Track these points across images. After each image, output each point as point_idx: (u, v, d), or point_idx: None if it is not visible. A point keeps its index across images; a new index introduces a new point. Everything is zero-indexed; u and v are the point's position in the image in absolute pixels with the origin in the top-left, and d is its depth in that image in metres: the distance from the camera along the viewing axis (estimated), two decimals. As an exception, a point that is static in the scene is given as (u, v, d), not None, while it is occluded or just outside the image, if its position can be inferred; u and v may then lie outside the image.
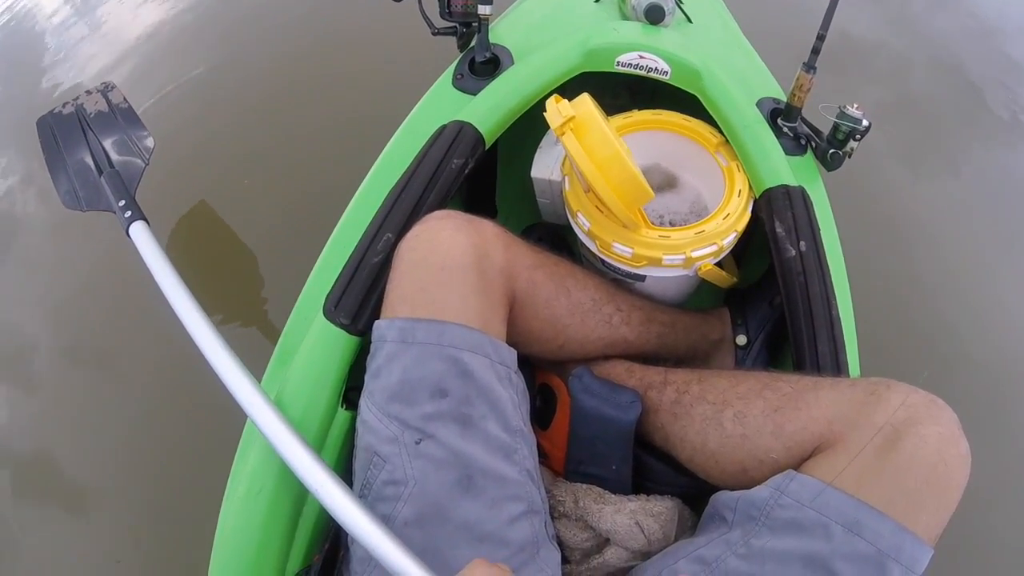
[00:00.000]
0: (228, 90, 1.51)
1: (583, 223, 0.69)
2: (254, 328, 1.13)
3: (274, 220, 1.27)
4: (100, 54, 1.74)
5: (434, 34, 0.85)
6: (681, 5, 0.90)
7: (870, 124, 0.74)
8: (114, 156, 1.13)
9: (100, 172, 1.09)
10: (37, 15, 2.00)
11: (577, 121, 0.60)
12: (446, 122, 0.72)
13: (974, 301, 1.20)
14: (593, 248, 0.70)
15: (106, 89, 1.28)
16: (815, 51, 0.77)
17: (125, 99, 1.25)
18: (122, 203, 0.97)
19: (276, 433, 0.55)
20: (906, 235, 1.29)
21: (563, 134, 0.60)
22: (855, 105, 0.75)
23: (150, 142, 1.12)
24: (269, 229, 1.26)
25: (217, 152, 1.39)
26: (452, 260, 0.55)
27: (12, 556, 1.00)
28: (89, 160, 1.14)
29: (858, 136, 0.75)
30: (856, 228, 1.21)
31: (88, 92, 1.27)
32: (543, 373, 0.72)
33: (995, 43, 1.73)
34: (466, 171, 0.69)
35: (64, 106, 1.24)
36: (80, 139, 1.19)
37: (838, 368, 0.63)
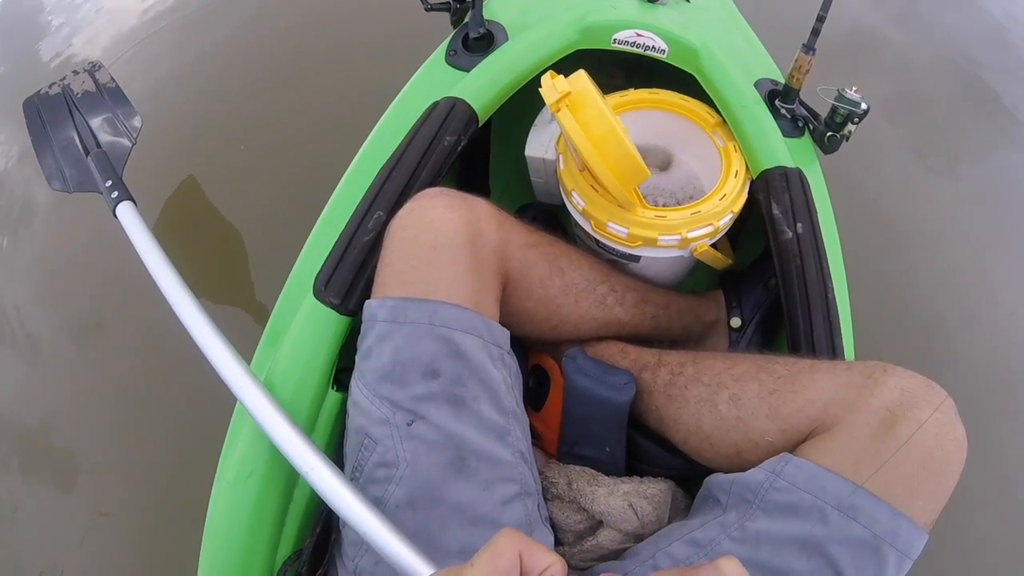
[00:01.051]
0: (217, 66, 1.48)
1: (578, 202, 0.68)
2: (241, 309, 1.12)
3: (263, 198, 1.25)
4: (95, 27, 1.70)
5: (427, 10, 0.83)
6: (679, -16, 0.89)
7: (868, 107, 0.73)
8: (101, 136, 1.11)
9: (87, 152, 1.08)
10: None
11: (573, 97, 0.59)
12: (439, 99, 0.71)
13: (970, 300, 1.20)
14: (588, 228, 0.69)
15: (93, 68, 1.25)
16: (815, 32, 0.76)
17: (112, 78, 1.23)
18: (109, 183, 0.95)
19: (266, 416, 0.54)
20: (905, 230, 1.28)
21: (558, 110, 0.59)
22: (854, 88, 0.74)
23: (137, 121, 1.10)
24: (258, 207, 1.24)
25: (205, 129, 1.36)
26: (444, 238, 0.54)
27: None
28: (76, 140, 1.12)
29: (856, 119, 0.75)
30: (855, 222, 1.20)
31: (75, 72, 1.24)
32: (536, 354, 0.72)
33: (1004, 42, 1.72)
34: (459, 148, 0.68)
35: (51, 87, 1.21)
36: (67, 119, 1.17)
37: (834, 351, 0.63)
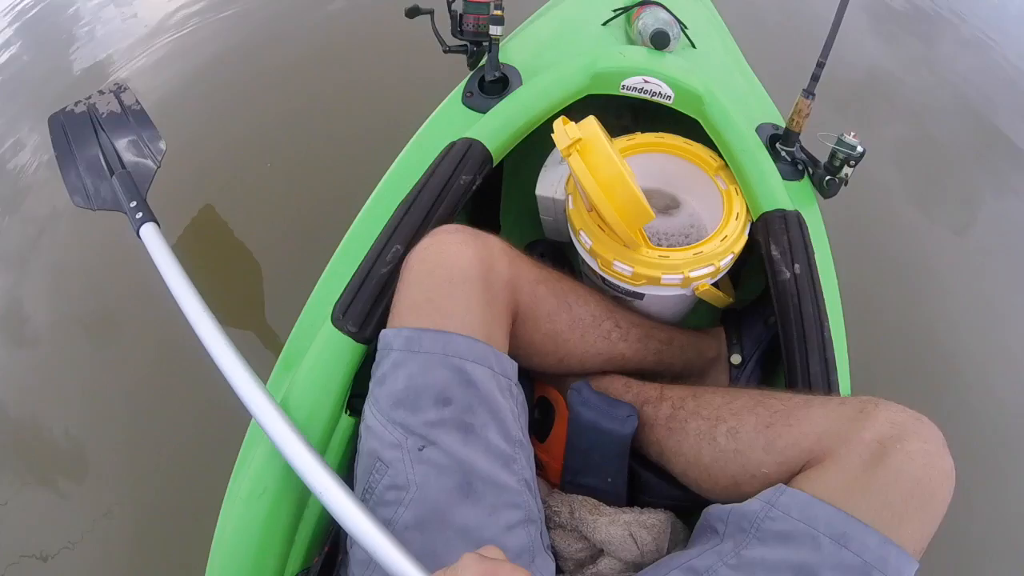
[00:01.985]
0: (244, 90, 1.53)
1: (585, 241, 0.71)
2: (254, 332, 1.14)
3: (281, 222, 1.28)
4: (127, 42, 1.76)
5: (445, 52, 0.87)
6: (686, 31, 0.93)
7: (864, 151, 0.76)
8: (126, 157, 1.14)
9: (111, 172, 1.11)
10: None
11: (583, 143, 0.63)
12: (455, 138, 0.74)
13: (978, 344, 1.21)
14: (594, 266, 0.72)
15: (119, 90, 1.29)
16: (814, 78, 0.79)
17: (137, 100, 1.27)
18: (133, 204, 0.98)
19: (281, 436, 0.56)
20: (915, 274, 1.29)
21: (569, 155, 0.62)
22: (852, 133, 0.77)
23: (162, 144, 1.14)
24: (275, 232, 1.27)
25: (227, 152, 1.40)
26: (459, 272, 0.57)
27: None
28: (101, 160, 1.15)
29: (853, 162, 0.77)
30: (864, 264, 1.23)
31: (100, 92, 1.28)
32: (542, 386, 0.74)
33: (1019, 87, 1.73)
34: (474, 187, 0.71)
35: (76, 104, 1.25)
36: (91, 138, 1.20)
37: (829, 387, 0.65)
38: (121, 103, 1.26)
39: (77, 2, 2.00)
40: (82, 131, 1.21)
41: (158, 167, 1.10)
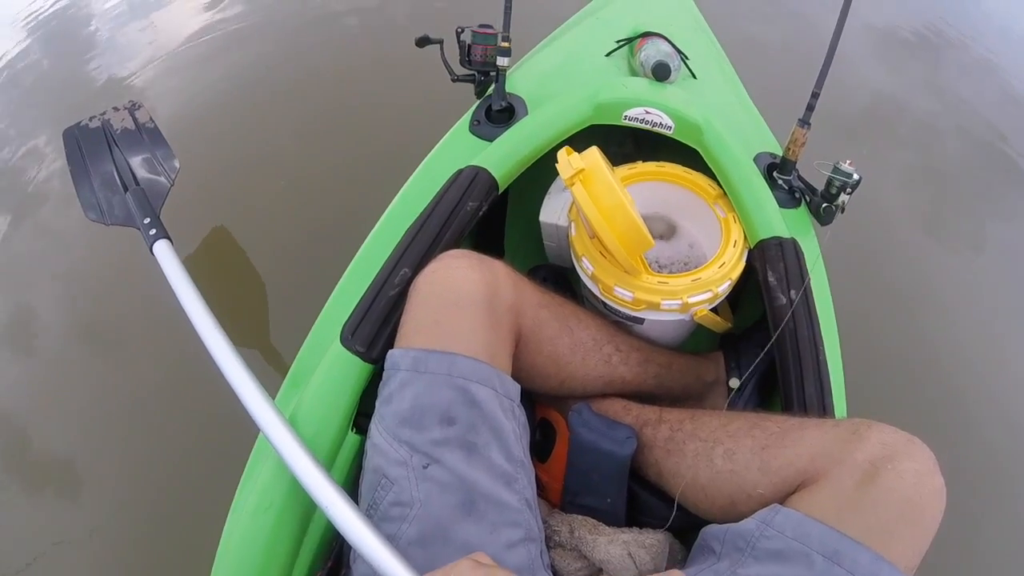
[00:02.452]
0: (256, 108, 1.56)
1: (587, 267, 0.73)
2: (257, 350, 1.16)
3: (288, 243, 1.31)
4: (144, 55, 1.79)
5: (453, 81, 0.90)
6: (687, 61, 0.96)
7: (860, 178, 0.78)
8: (140, 174, 1.16)
9: (125, 188, 1.13)
10: (93, 5, 2.07)
11: (586, 173, 0.65)
12: (462, 165, 0.77)
13: (983, 370, 1.21)
14: (596, 291, 0.74)
15: (133, 107, 1.31)
16: (810, 107, 0.82)
17: (151, 119, 1.29)
18: (147, 221, 1.00)
19: (290, 451, 0.57)
20: (919, 299, 1.30)
21: (573, 184, 0.65)
22: (848, 161, 0.79)
23: (176, 163, 1.16)
24: (282, 252, 1.29)
25: (237, 169, 1.43)
26: (466, 296, 0.59)
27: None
28: (115, 175, 1.17)
29: (849, 190, 0.79)
30: (868, 288, 1.23)
31: (115, 108, 1.30)
32: (543, 408, 0.76)
33: None
34: (480, 213, 0.74)
35: (91, 119, 1.27)
36: (106, 154, 1.22)
37: (824, 411, 0.66)
38: (135, 120, 1.28)
39: (95, 12, 2.04)
40: (96, 146, 1.24)
41: (172, 185, 1.12)
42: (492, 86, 0.88)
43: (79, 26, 2.01)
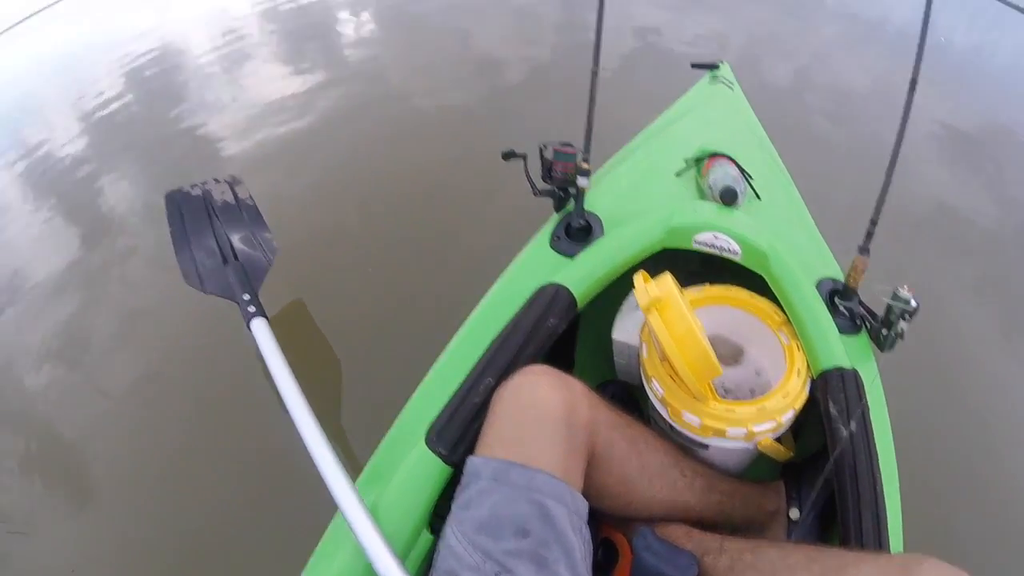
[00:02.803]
0: (349, 194, 1.67)
1: (657, 389, 0.77)
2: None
3: (369, 327, 1.36)
4: (230, 112, 1.96)
5: (535, 195, 0.97)
6: (751, 182, 1.00)
7: (919, 305, 0.79)
8: (239, 248, 1.25)
9: (225, 261, 1.22)
10: (186, 57, 2.27)
11: (661, 301, 0.70)
12: (541, 278, 0.83)
13: None
14: (664, 414, 0.78)
15: (233, 182, 1.42)
16: (869, 234, 0.84)
17: (251, 196, 1.39)
18: (246, 297, 1.09)
19: (372, 542, 0.61)
20: (990, 416, 1.26)
21: (649, 311, 0.70)
22: (905, 286, 0.80)
23: (275, 244, 1.25)
24: (357, 338, 1.34)
25: (320, 252, 1.53)
26: (547, 413, 0.64)
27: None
28: (215, 247, 1.26)
29: (907, 316, 0.80)
30: (942, 410, 1.20)
31: (216, 180, 1.41)
32: (607, 528, 0.78)
33: None
34: (559, 330, 0.79)
35: (192, 187, 1.38)
36: (206, 224, 1.31)
37: (880, 544, 0.67)
38: (235, 195, 1.39)
39: (190, 65, 2.23)
40: (197, 214, 1.33)
41: (270, 264, 1.21)
42: (571, 202, 0.94)
43: (172, 76, 2.18)
